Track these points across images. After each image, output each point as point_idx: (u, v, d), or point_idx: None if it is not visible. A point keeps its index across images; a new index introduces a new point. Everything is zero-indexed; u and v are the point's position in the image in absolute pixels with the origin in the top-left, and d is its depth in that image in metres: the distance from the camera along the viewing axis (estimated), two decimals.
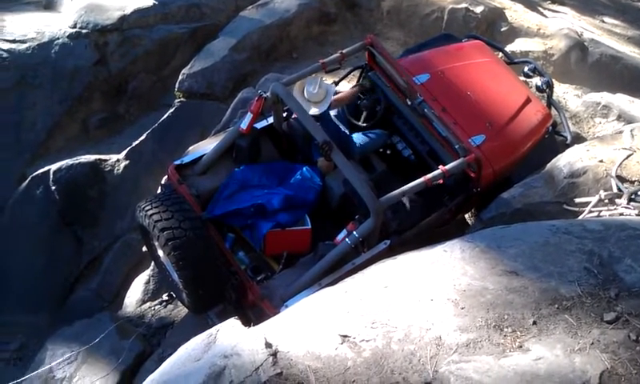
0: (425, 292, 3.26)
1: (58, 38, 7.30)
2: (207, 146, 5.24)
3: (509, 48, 7.64)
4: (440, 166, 4.85)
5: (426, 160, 5.41)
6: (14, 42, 7.25)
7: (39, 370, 5.68)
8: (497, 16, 8.04)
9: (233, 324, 3.33)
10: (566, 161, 5.22)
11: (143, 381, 3.30)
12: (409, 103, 5.48)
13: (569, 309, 3.08)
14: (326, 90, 5.10)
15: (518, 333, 2.97)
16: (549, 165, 5.37)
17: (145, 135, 6.93)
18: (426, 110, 5.29)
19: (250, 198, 4.81)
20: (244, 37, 7.52)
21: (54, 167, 6.73)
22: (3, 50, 7.15)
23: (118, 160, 6.84)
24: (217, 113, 6.93)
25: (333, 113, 5.43)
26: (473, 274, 3.35)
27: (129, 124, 7.39)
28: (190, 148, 5.36)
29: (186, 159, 5.12)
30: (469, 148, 5.03)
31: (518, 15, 8.18)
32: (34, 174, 6.77)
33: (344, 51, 5.38)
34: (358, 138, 5.46)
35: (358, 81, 5.87)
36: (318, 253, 4.59)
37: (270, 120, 5.29)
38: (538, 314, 3.06)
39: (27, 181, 6.78)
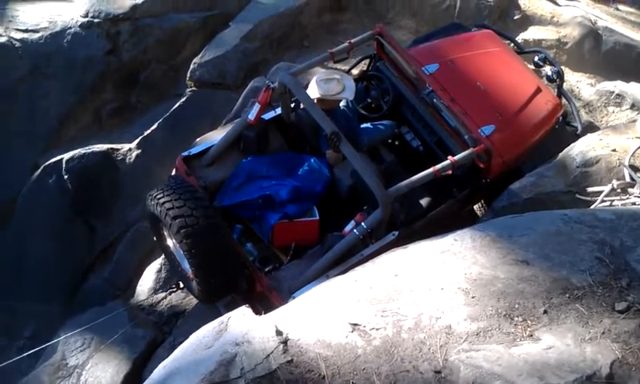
0: (435, 281, 3.25)
1: (71, 28, 7.33)
2: (215, 137, 5.22)
3: (522, 36, 7.58)
4: (449, 157, 4.81)
5: (435, 151, 5.37)
6: (26, 31, 7.30)
7: (52, 358, 5.74)
8: (510, 4, 7.97)
9: (244, 312, 3.34)
10: (578, 150, 5.18)
11: (155, 368, 3.32)
12: (418, 93, 5.45)
13: (580, 298, 3.07)
14: (339, 78, 5.06)
15: (529, 322, 2.97)
16: (561, 154, 5.33)
17: (156, 124, 6.95)
18: (434, 100, 5.25)
19: (257, 190, 4.80)
20: (255, 25, 7.52)
21: (66, 156, 6.77)
22: (16, 39, 7.19)
23: (129, 149, 6.87)
24: (228, 102, 6.94)
25: (341, 104, 5.41)
26: (484, 262, 3.34)
27: (140, 113, 7.42)
28: (198, 139, 5.35)
29: (194, 151, 5.11)
30: (478, 138, 4.99)
31: (532, 3, 8.11)
32: (47, 163, 6.82)
33: (353, 41, 5.34)
34: (366, 128, 5.42)
35: (367, 70, 5.84)
36: (327, 244, 4.57)
37: (278, 111, 5.27)
38: (549, 303, 3.05)
39: (40, 170, 6.83)
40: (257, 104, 5.02)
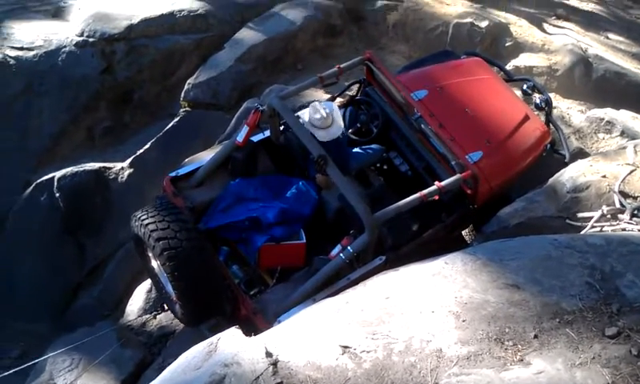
0: (426, 304, 3.26)
1: (65, 46, 7.34)
2: (204, 157, 5.24)
3: (513, 63, 7.66)
4: (436, 182, 4.83)
5: (423, 176, 5.39)
6: (21, 49, 7.31)
7: (39, 378, 5.67)
8: (501, 31, 8.07)
9: (233, 333, 3.34)
10: (569, 175, 5.21)
11: None
12: (406, 119, 5.47)
13: (570, 323, 3.07)
14: (331, 112, 4.98)
15: (519, 346, 2.97)
16: (551, 179, 5.36)
17: (149, 144, 6.96)
18: (423, 125, 5.28)
19: (244, 212, 4.79)
20: (249, 48, 7.57)
21: (58, 174, 6.75)
22: (11, 56, 7.21)
23: (122, 168, 6.86)
24: (221, 123, 6.96)
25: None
26: (474, 286, 3.35)
27: (134, 133, 7.41)
28: (187, 159, 5.37)
29: (182, 171, 5.11)
30: (465, 164, 5.01)
31: (523, 30, 8.21)
32: (39, 181, 6.80)
33: (342, 66, 5.38)
34: (355, 152, 5.43)
35: (356, 94, 5.87)
36: (313, 267, 4.56)
37: (267, 133, 5.28)
38: (540, 327, 3.06)
39: (31, 187, 6.81)
40: (245, 126, 5.03)
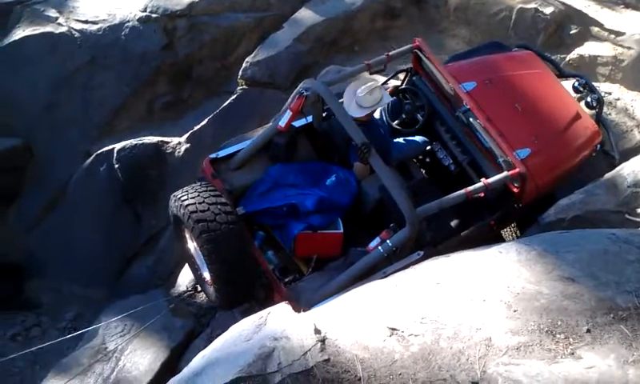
0: (477, 291, 3.23)
1: (129, 21, 7.49)
2: (244, 140, 5.21)
3: (577, 51, 7.45)
4: (482, 179, 4.71)
5: (467, 171, 5.26)
6: (86, 22, 7.49)
7: (92, 341, 5.88)
8: (566, 18, 7.82)
9: (283, 308, 3.39)
10: (630, 169, 5.06)
11: (192, 358, 3.40)
12: (453, 111, 5.33)
13: (625, 319, 3.01)
14: (378, 97, 4.90)
15: (571, 340, 2.92)
16: (611, 173, 5.21)
17: (206, 120, 7.06)
18: (471, 119, 5.11)
19: (283, 197, 4.74)
20: (308, 28, 7.57)
21: (117, 146, 6.93)
22: (76, 29, 7.39)
23: (179, 143, 6.98)
24: (277, 102, 6.97)
25: (376, 115, 5.30)
26: (528, 277, 3.31)
27: (192, 108, 7.53)
28: (225, 142, 5.35)
29: (222, 153, 5.07)
30: (513, 162, 4.84)
31: (589, 18, 7.95)
32: (99, 152, 6.99)
33: (390, 53, 5.26)
34: (397, 143, 5.31)
35: (401, 84, 5.77)
36: (349, 258, 4.51)
37: (310, 119, 5.20)
38: (593, 322, 3.00)
39: (91, 158, 7.00)
40: (289, 111, 4.93)
